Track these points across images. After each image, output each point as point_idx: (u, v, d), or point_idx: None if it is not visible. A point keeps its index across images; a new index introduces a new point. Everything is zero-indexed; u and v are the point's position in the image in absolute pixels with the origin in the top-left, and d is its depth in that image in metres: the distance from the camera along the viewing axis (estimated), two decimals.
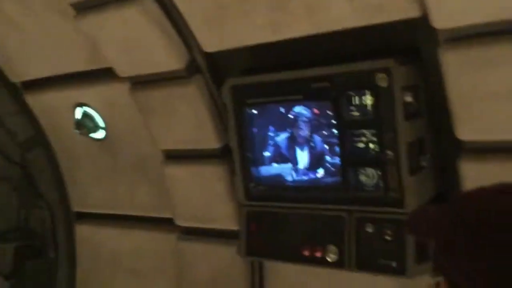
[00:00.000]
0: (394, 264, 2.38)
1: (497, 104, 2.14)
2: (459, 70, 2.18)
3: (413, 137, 2.30)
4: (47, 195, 4.14)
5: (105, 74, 3.33)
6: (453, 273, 1.04)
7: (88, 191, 3.96)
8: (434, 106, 2.42)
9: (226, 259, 3.21)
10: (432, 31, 2.20)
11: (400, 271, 2.37)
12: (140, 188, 3.61)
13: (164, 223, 3.54)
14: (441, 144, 2.47)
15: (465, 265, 1.01)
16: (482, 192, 1.08)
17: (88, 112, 3.60)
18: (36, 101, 3.91)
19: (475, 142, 2.31)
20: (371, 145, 2.37)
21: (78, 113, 3.62)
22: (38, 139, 4.06)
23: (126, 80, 3.21)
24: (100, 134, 3.66)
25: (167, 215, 3.47)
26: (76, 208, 4.13)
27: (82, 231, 4.12)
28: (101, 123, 3.62)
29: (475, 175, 2.29)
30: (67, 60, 3.45)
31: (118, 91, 3.34)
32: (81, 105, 3.62)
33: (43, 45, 3.45)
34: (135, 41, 2.94)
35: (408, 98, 2.26)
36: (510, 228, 0.98)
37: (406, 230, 1.40)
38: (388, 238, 2.39)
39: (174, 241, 3.48)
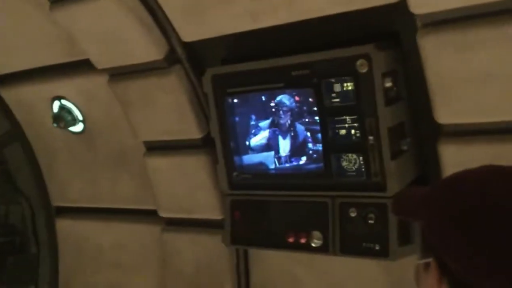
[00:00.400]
0: (377, 247, 2.42)
1: (475, 87, 2.18)
2: (437, 54, 2.21)
3: (393, 122, 2.33)
4: (26, 190, 4.09)
5: (83, 66, 3.28)
6: (443, 253, 1.06)
7: (68, 185, 3.92)
8: (413, 90, 2.45)
9: (211, 249, 3.22)
10: (411, 16, 2.23)
11: (383, 254, 2.41)
12: (121, 180, 3.59)
13: (147, 215, 3.53)
14: (421, 128, 2.51)
15: (457, 246, 1.03)
16: (470, 174, 1.11)
17: (66, 105, 3.55)
18: (11, 95, 3.84)
19: (453, 125, 2.36)
20: (352, 131, 2.39)
21: (56, 106, 3.57)
22: (15, 134, 4.00)
23: (104, 72, 3.18)
24: (78, 127, 3.62)
25: (150, 207, 3.46)
26: (56, 202, 4.08)
27: (63, 225, 4.08)
28: (79, 116, 3.57)
29: (454, 157, 2.34)
30: (43, 53, 3.39)
31: (96, 83, 3.30)
32: (58, 98, 3.56)
33: (17, 38, 3.39)
34: (112, 32, 2.90)
35: (388, 83, 2.28)
36: (500, 209, 1.01)
37: (392, 210, 1.42)
38: (371, 222, 2.42)
39: (157, 233, 3.47)
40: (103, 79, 3.20)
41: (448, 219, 1.05)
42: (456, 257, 1.03)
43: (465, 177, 1.11)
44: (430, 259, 1.10)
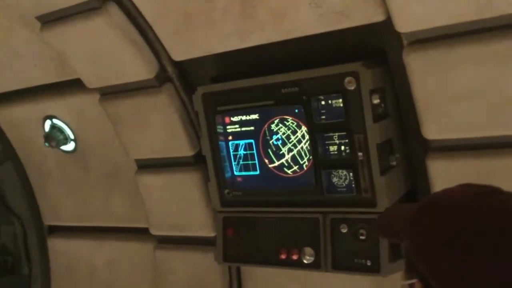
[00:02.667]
0: (369, 263, 2.43)
1: (460, 103, 2.21)
2: (423, 71, 2.25)
3: (382, 138, 2.35)
4: (18, 210, 4.07)
5: (74, 86, 3.30)
6: (427, 275, 1.07)
7: (60, 204, 3.91)
8: (401, 107, 2.49)
9: (204, 266, 3.22)
10: (397, 34, 2.27)
11: (375, 270, 2.42)
12: (113, 199, 3.59)
13: (140, 233, 3.53)
14: (409, 144, 2.54)
15: (440, 269, 1.05)
16: (451, 197, 1.12)
17: (57, 124, 3.56)
18: (2, 115, 3.84)
19: (441, 141, 2.39)
20: (342, 147, 2.42)
21: (47, 125, 3.58)
22: (7, 153, 3.99)
23: (95, 91, 3.19)
24: (70, 146, 3.62)
25: (142, 225, 3.45)
26: (48, 222, 4.07)
27: (56, 245, 4.07)
28: (71, 135, 3.58)
29: (442, 172, 2.37)
30: (34, 73, 3.41)
31: (87, 102, 3.32)
32: (50, 117, 3.58)
33: (8, 58, 3.40)
34: (103, 52, 2.92)
35: (376, 100, 2.31)
36: (481, 233, 1.03)
37: (375, 232, 1.43)
38: (362, 237, 2.44)
39: (150, 251, 3.46)
40: (94, 98, 3.22)
41: (431, 242, 1.07)
42: (440, 279, 1.04)
43: (445, 200, 1.13)
44: (414, 280, 1.12)
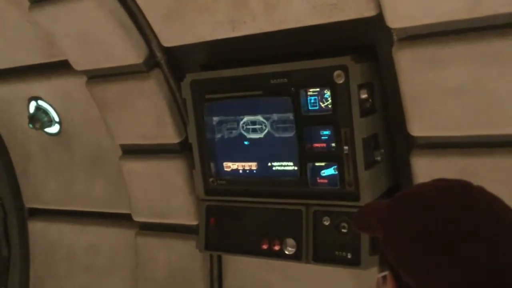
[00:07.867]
0: (349, 255, 2.45)
1: (447, 101, 2.23)
2: (412, 68, 2.26)
3: (368, 133, 2.37)
4: None
5: (61, 67, 3.26)
6: (397, 267, 1.09)
7: (42, 187, 3.88)
8: (388, 103, 2.50)
9: (185, 254, 3.22)
10: (387, 30, 2.28)
11: (355, 263, 2.44)
12: (96, 183, 3.56)
13: (122, 219, 3.51)
14: (394, 140, 2.56)
15: (408, 261, 1.06)
16: (423, 191, 1.14)
17: (42, 106, 3.52)
18: None
19: (426, 138, 2.41)
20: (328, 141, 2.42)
21: (32, 107, 3.54)
22: None
23: (82, 74, 3.16)
24: (54, 129, 3.59)
25: (124, 210, 3.44)
26: (29, 204, 4.03)
27: (36, 227, 4.03)
28: (56, 117, 3.54)
29: (426, 169, 2.39)
30: (21, 53, 3.36)
31: (74, 85, 3.28)
32: (35, 98, 3.53)
33: None
34: (92, 34, 2.89)
35: (364, 95, 2.33)
36: (452, 223, 1.04)
37: (352, 225, 1.45)
38: (344, 230, 2.46)
39: (131, 237, 3.45)
40: (81, 81, 3.18)
41: (400, 234, 1.09)
42: (409, 271, 1.06)
43: (416, 193, 1.15)
44: (387, 272, 1.13)
